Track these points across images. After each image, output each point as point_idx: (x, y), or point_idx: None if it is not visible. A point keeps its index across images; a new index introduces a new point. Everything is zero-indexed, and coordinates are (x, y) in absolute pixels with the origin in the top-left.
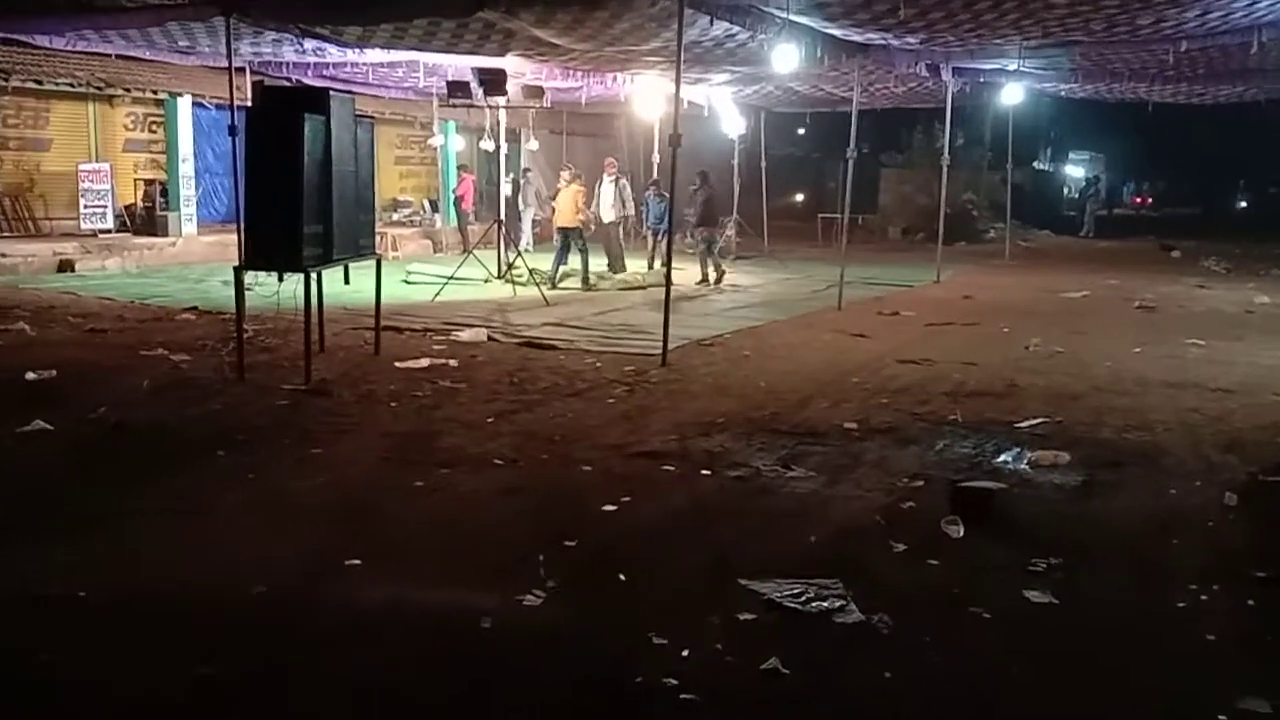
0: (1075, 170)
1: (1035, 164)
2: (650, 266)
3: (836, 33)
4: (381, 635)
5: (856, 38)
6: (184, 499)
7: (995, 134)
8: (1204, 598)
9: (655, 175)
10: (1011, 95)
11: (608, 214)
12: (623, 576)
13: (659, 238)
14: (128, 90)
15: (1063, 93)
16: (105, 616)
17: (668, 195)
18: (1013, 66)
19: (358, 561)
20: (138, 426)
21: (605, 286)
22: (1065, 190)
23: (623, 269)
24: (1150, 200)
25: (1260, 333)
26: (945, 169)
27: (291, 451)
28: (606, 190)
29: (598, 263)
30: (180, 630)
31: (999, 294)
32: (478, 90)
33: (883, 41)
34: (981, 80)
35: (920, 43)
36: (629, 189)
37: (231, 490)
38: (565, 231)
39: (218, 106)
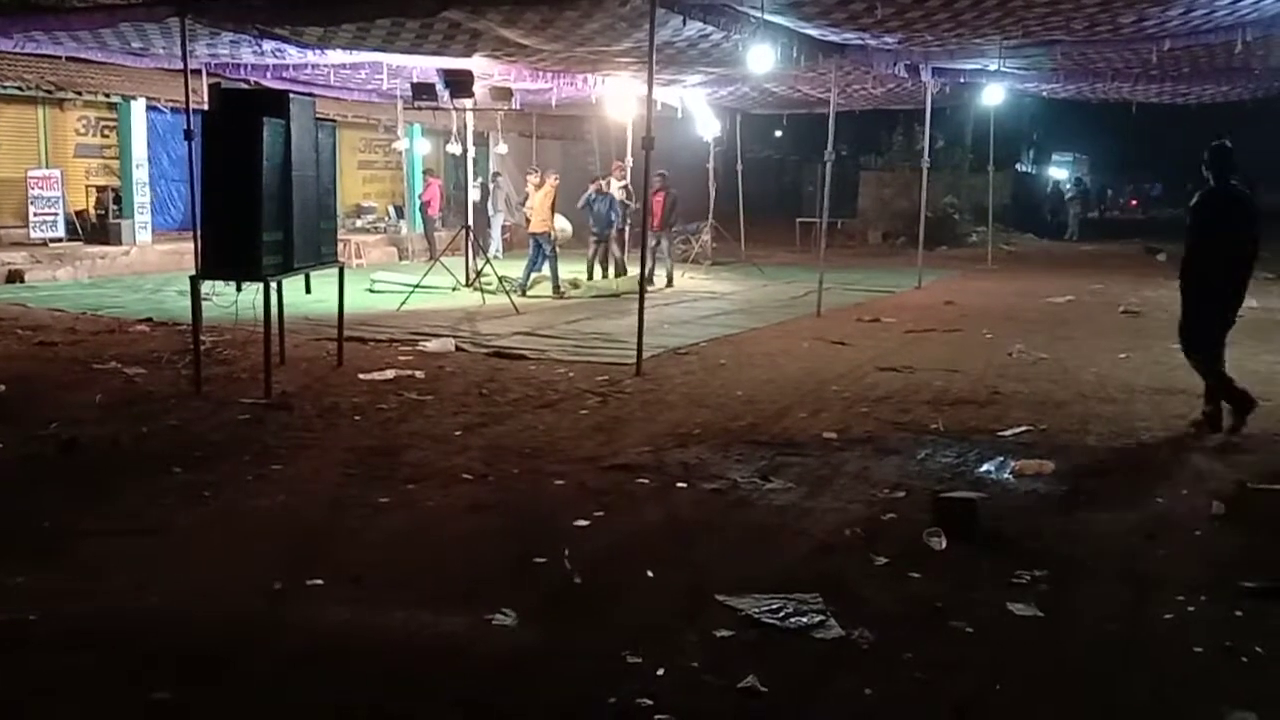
0: (1059, 172)
1: (1018, 166)
2: (602, 275)
3: (813, 33)
4: (345, 657)
5: (833, 38)
6: (138, 518)
7: (976, 136)
8: (1191, 609)
9: (601, 171)
10: (992, 96)
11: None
12: (596, 594)
13: (601, 243)
14: (79, 93)
15: (1044, 93)
16: (56, 642)
17: (611, 194)
18: (993, 66)
19: (320, 581)
20: (90, 443)
21: (577, 294)
22: (1048, 190)
23: (622, 273)
24: (1135, 202)
25: (1248, 337)
26: (926, 172)
27: (250, 468)
28: (615, 193)
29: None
30: (135, 655)
31: (981, 299)
32: (444, 92)
33: (860, 41)
34: (962, 81)
35: (898, 43)
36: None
37: (188, 509)
38: (536, 237)
39: (173, 110)
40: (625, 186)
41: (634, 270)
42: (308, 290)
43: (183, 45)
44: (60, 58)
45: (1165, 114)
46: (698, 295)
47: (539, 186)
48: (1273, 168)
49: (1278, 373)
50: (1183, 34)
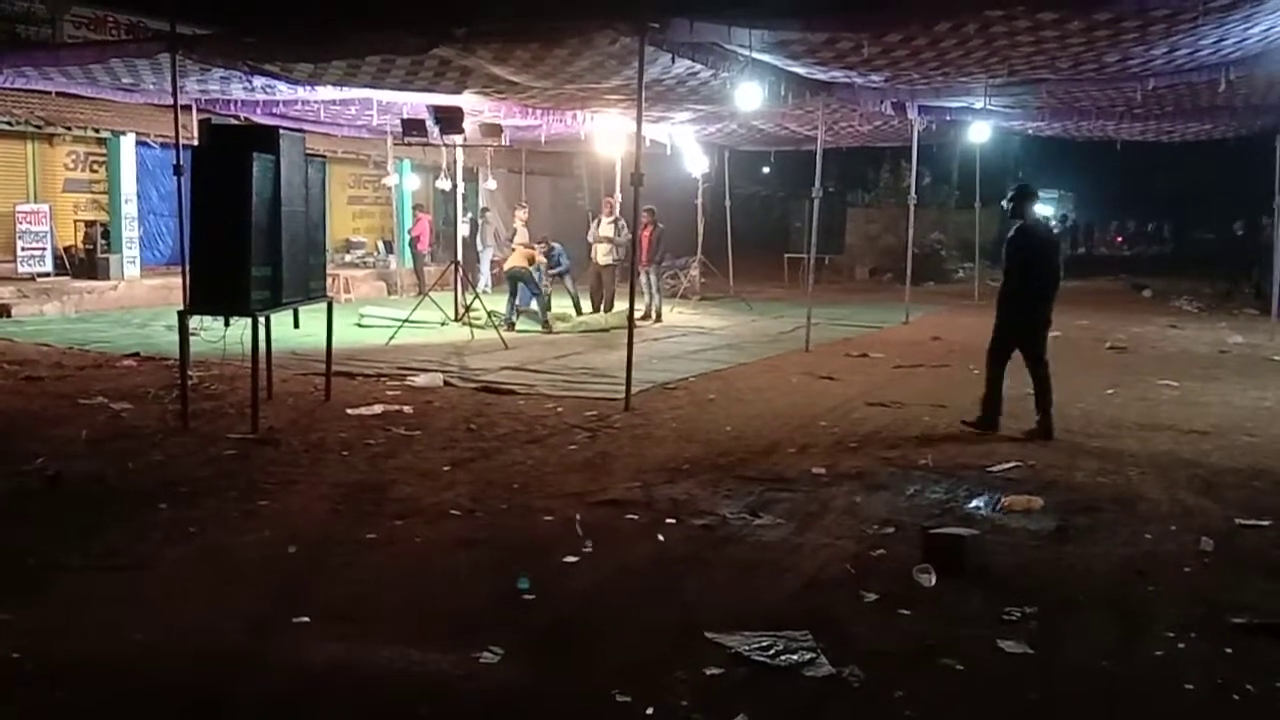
0: (1045, 209)
1: (1003, 202)
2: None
3: (800, 71)
4: (332, 695)
5: (821, 76)
6: (124, 554)
7: (963, 172)
8: (1181, 646)
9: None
10: (978, 133)
11: (604, 257)
12: (584, 631)
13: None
14: (68, 129)
15: (1030, 131)
16: (40, 680)
17: (556, 245)
18: (979, 104)
19: (306, 619)
20: (76, 478)
21: (565, 328)
22: None
23: (609, 309)
24: (1121, 239)
25: (1234, 373)
26: (912, 208)
27: (237, 503)
28: (605, 230)
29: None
30: (119, 693)
31: (969, 335)
32: (434, 128)
33: (847, 80)
34: (948, 118)
35: (885, 81)
36: (627, 229)
37: (173, 545)
38: (514, 275)
39: (163, 145)
40: (616, 221)
41: (619, 306)
42: (296, 325)
43: (173, 81)
44: (50, 93)
45: (1150, 151)
46: (686, 330)
47: (526, 222)
48: (1255, 205)
49: (1263, 409)
50: (1167, 73)
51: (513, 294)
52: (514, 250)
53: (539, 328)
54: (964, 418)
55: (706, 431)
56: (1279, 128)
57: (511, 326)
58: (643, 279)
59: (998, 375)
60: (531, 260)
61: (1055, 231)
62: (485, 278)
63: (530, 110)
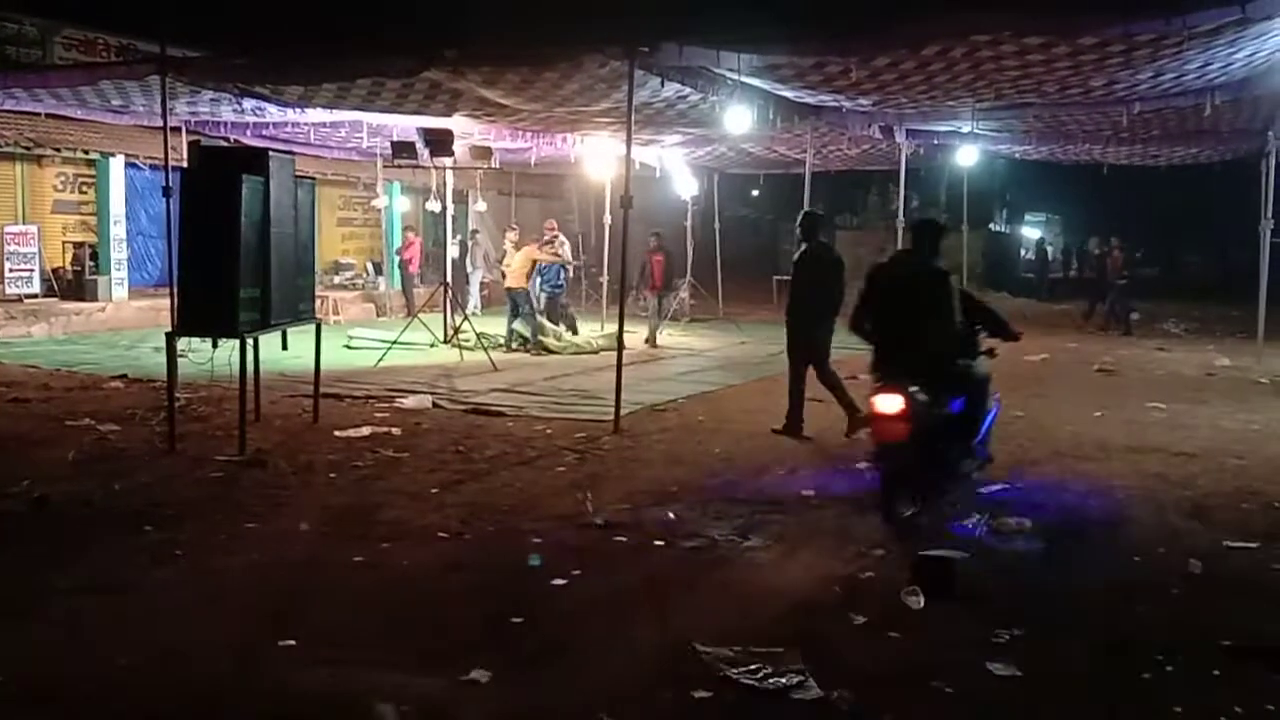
0: (1032, 232)
1: (991, 226)
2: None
3: (789, 95)
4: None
5: (809, 100)
6: (109, 577)
7: (950, 196)
8: (1170, 668)
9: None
10: (966, 157)
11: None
12: (572, 654)
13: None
14: (58, 150)
15: (1017, 154)
16: (24, 704)
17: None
18: (966, 128)
19: (292, 642)
20: (62, 500)
21: (556, 349)
22: (1023, 252)
23: (574, 332)
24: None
25: (1222, 396)
26: (900, 231)
27: (223, 526)
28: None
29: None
30: (105, 716)
31: None
32: (424, 151)
33: (835, 103)
34: (935, 142)
35: (873, 104)
36: (567, 250)
37: (160, 567)
38: (513, 294)
39: (152, 167)
40: (553, 239)
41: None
42: (284, 347)
43: (163, 103)
44: (39, 114)
45: (1139, 176)
46: (676, 352)
47: (517, 245)
48: (1241, 229)
49: (1251, 431)
50: (1153, 97)
51: (513, 314)
52: (510, 267)
53: (529, 350)
54: (773, 425)
55: (695, 453)
56: (1264, 151)
57: (509, 347)
58: (645, 302)
59: (797, 387)
60: (534, 266)
61: (838, 254)
62: (475, 300)
63: (520, 133)
